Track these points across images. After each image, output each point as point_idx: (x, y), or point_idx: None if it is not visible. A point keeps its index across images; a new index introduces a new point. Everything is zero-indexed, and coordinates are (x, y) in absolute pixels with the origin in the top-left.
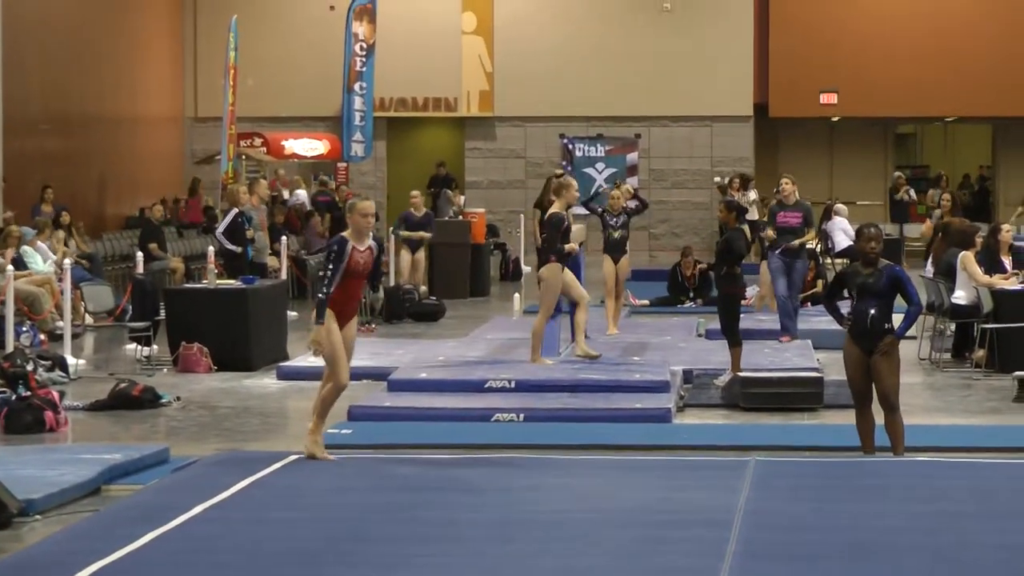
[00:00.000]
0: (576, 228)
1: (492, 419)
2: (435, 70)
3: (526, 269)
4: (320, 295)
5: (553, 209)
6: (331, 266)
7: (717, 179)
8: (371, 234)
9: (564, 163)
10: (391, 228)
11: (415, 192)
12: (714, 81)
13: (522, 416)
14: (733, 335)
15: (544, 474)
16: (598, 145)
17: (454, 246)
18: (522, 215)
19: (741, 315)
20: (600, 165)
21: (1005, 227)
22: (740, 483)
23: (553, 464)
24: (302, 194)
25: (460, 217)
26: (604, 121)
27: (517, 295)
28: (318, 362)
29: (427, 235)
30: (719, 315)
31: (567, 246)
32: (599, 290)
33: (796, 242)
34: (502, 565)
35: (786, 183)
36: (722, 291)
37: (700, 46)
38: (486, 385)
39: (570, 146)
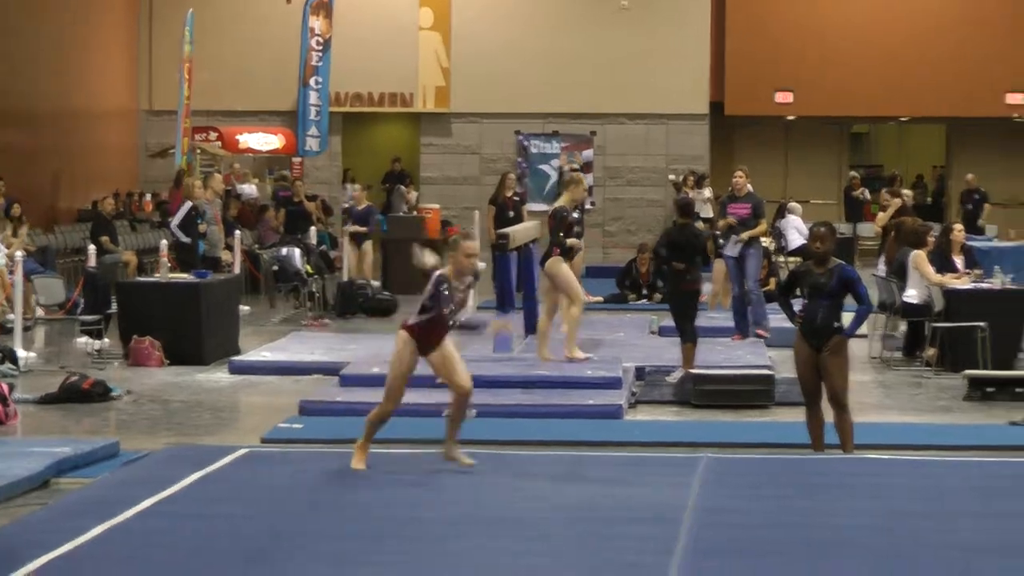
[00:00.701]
0: (530, 224)
1: (444, 414)
2: (391, 65)
3: (480, 265)
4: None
5: (559, 203)
6: (430, 303)
7: (672, 176)
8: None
9: (520, 160)
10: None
11: (356, 186)
12: (670, 79)
13: (474, 412)
14: (687, 332)
15: (496, 470)
16: (554, 142)
17: (408, 242)
18: (477, 211)
19: (695, 312)
20: (555, 162)
21: (957, 227)
22: (691, 480)
23: (505, 460)
24: (248, 188)
25: (414, 213)
26: (560, 118)
27: (471, 291)
28: (270, 357)
29: (361, 229)
30: (673, 312)
31: (569, 240)
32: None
33: (745, 234)
34: (454, 561)
35: (739, 175)
36: (679, 288)
37: (656, 44)
38: (438, 380)
39: (525, 143)
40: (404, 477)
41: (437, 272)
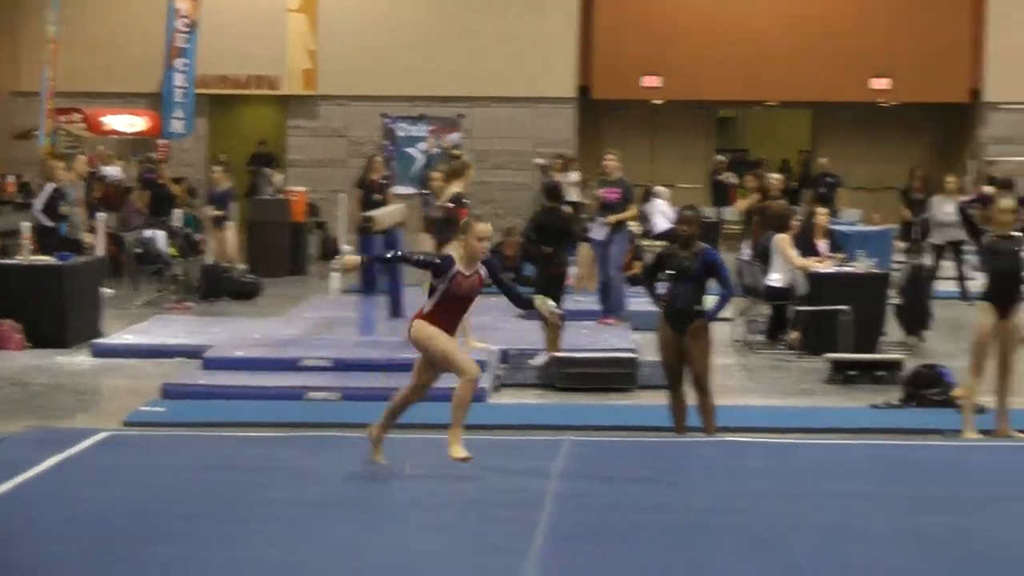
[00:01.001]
0: (396, 207)
1: (303, 397)
2: (259, 48)
3: (346, 248)
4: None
5: (454, 189)
6: (436, 283)
7: (539, 160)
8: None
9: (387, 143)
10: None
11: (216, 167)
12: (537, 62)
13: (339, 395)
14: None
15: (359, 454)
16: (421, 125)
17: (273, 224)
18: (343, 194)
19: (562, 296)
20: (422, 145)
21: (821, 211)
22: (553, 463)
23: (367, 444)
24: (113, 170)
25: (280, 195)
26: (427, 101)
27: (335, 274)
28: (133, 340)
29: (216, 212)
30: (542, 294)
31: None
32: (417, 272)
33: (613, 218)
34: (316, 544)
35: (610, 159)
36: (546, 271)
37: (524, 27)
38: (302, 364)
39: (392, 125)
40: (265, 460)
41: (447, 253)
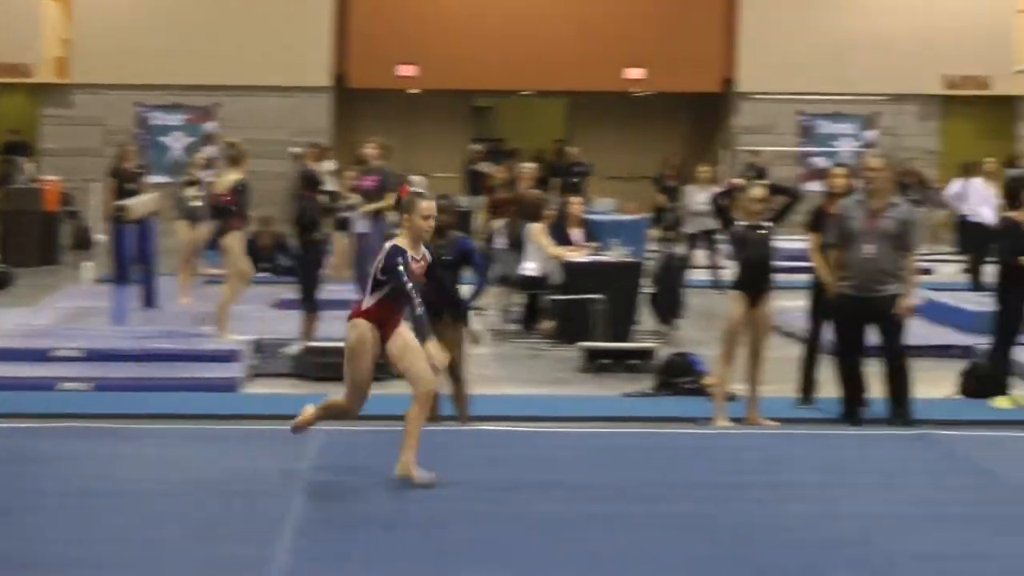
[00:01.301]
0: (150, 196)
1: (55, 388)
2: (9, 35)
3: (100, 238)
4: (418, 313)
5: (233, 177)
6: (383, 277)
7: (294, 149)
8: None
9: (141, 132)
10: None
11: None
12: (292, 51)
13: (92, 385)
14: (310, 303)
15: (112, 444)
16: (176, 114)
17: (25, 213)
18: (98, 184)
19: (319, 285)
20: (177, 134)
21: (574, 200)
22: (305, 452)
23: (121, 434)
24: None
25: (32, 184)
26: (182, 90)
27: (88, 263)
28: None
29: None
30: (297, 284)
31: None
32: (174, 259)
33: (371, 207)
34: (63, 536)
35: (369, 147)
36: (300, 260)
37: (279, 16)
38: (53, 354)
39: (147, 114)
40: (13, 451)
41: (390, 243)
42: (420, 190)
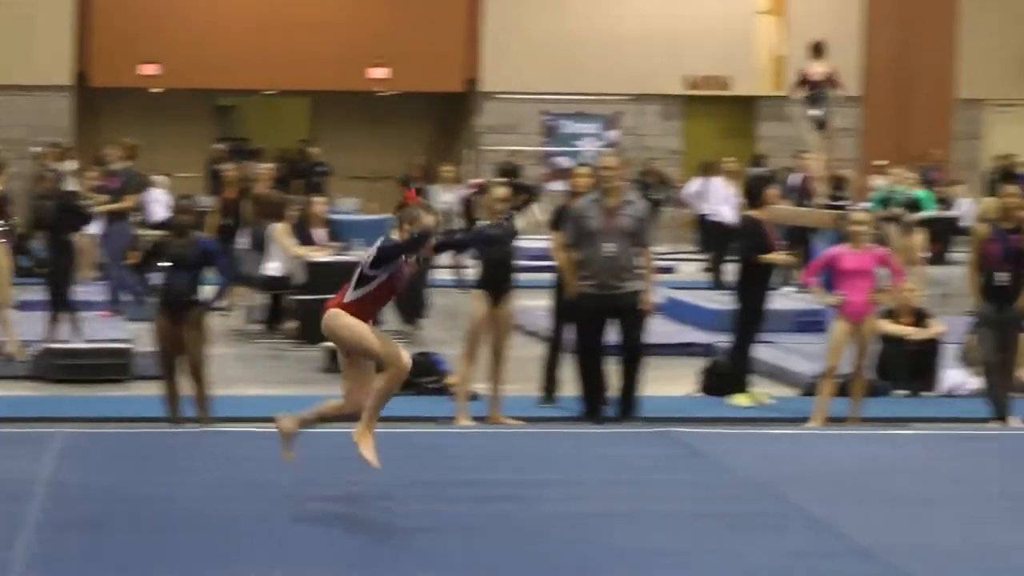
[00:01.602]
0: None
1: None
2: None
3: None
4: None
5: None
6: (371, 272)
7: (35, 149)
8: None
9: None
10: None
11: None
12: (32, 48)
13: None
14: (63, 303)
15: None
16: None
17: None
18: None
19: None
20: None
21: (318, 200)
22: (44, 456)
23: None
24: None
25: None
26: None
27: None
28: None
29: None
30: (49, 284)
31: None
32: None
33: (108, 207)
34: None
35: (112, 148)
36: (51, 261)
37: (18, 10)
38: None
39: None
40: None
41: (383, 238)
42: (427, 204)
